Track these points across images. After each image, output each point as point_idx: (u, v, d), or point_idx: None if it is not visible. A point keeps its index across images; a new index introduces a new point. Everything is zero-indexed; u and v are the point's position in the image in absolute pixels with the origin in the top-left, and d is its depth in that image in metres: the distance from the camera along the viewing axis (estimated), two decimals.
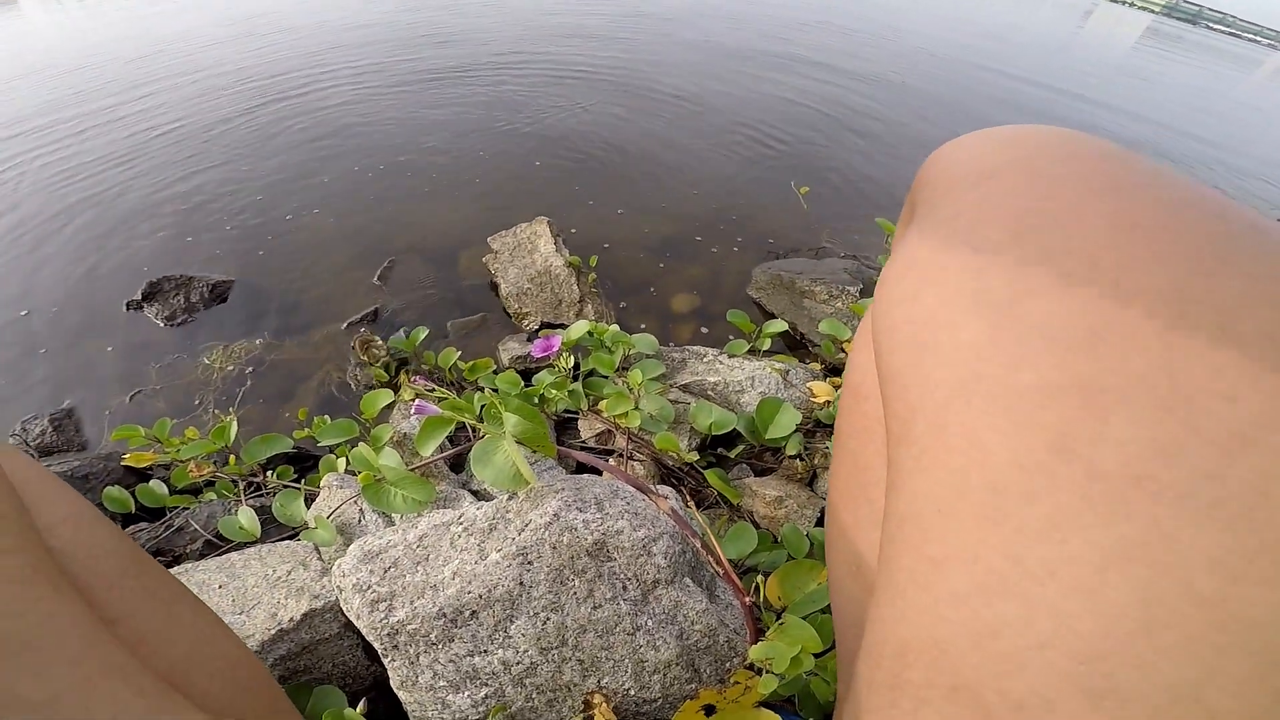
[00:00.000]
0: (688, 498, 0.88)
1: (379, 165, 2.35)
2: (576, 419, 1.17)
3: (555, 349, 1.20)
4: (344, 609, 0.70)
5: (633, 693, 0.67)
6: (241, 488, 1.12)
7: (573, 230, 1.96)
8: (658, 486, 0.78)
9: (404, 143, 2.53)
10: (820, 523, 0.97)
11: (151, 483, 1.14)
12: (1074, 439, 0.22)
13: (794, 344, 1.59)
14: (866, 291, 1.65)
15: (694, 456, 1.01)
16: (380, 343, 1.43)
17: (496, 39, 4.04)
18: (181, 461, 1.15)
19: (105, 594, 0.35)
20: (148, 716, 0.27)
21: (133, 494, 1.13)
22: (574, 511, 0.67)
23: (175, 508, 1.10)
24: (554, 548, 0.65)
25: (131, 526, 1.07)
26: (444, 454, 0.93)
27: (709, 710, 0.62)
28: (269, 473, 1.14)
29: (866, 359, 0.38)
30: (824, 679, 0.72)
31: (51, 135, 2.70)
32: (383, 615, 0.66)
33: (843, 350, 1.45)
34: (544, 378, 1.17)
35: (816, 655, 0.64)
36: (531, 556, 0.65)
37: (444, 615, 0.65)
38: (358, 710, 0.70)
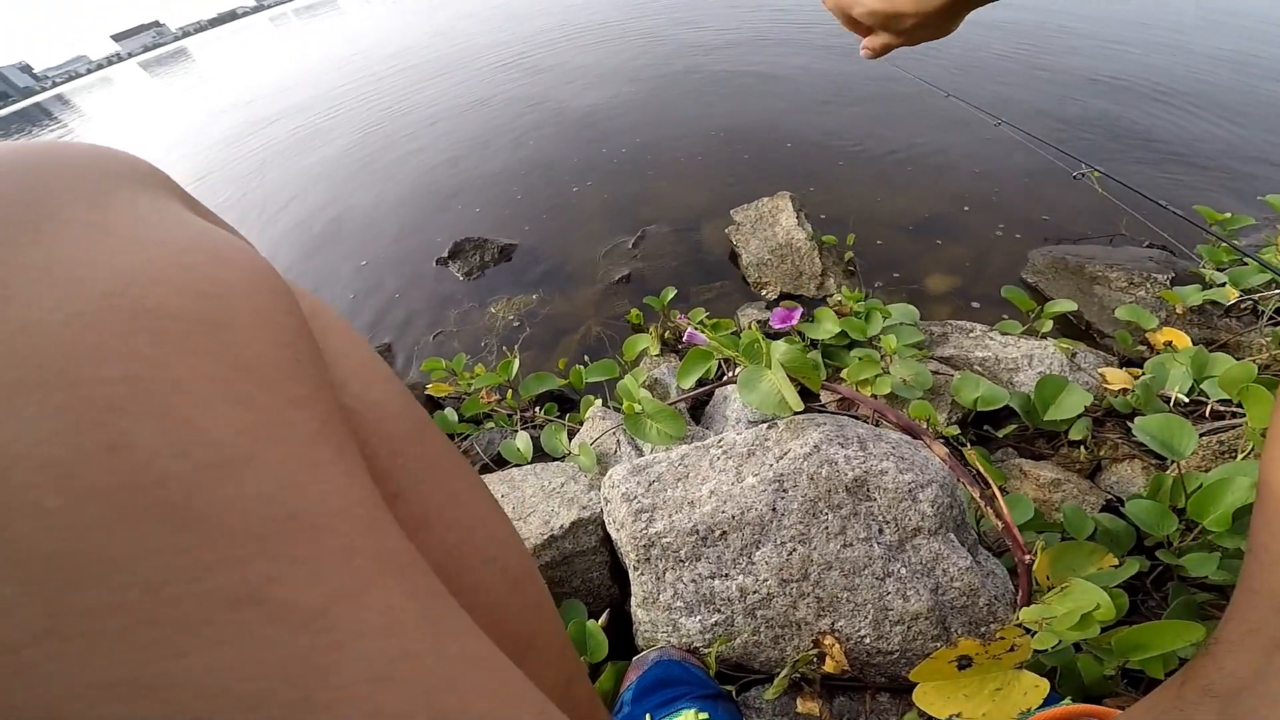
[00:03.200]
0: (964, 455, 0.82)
1: (621, 149, 2.54)
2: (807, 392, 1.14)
3: (795, 320, 1.19)
4: (607, 519, 0.77)
5: (868, 640, 0.64)
6: (516, 419, 1.28)
7: (822, 216, 1.93)
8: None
9: (650, 127, 2.70)
10: (1107, 509, 0.85)
11: (446, 410, 1.36)
12: None
13: (1077, 334, 1.39)
14: (1179, 280, 1.39)
15: (953, 431, 0.93)
16: (673, 322, 1.51)
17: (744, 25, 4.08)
18: (470, 393, 1.36)
19: (389, 462, 0.31)
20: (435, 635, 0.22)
21: None
22: (835, 446, 0.66)
23: (462, 434, 1.29)
24: (811, 479, 0.65)
25: None
26: (694, 392, 0.97)
27: (964, 664, 0.57)
28: (538, 409, 1.29)
29: None
30: (1095, 656, 0.63)
31: (378, 116, 3.32)
32: (644, 525, 0.71)
33: (1144, 342, 1.23)
34: (780, 346, 1.17)
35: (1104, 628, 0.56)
36: (787, 485, 0.66)
37: (697, 532, 0.68)
38: (599, 622, 0.76)
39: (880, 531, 0.64)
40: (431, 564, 0.27)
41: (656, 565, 0.70)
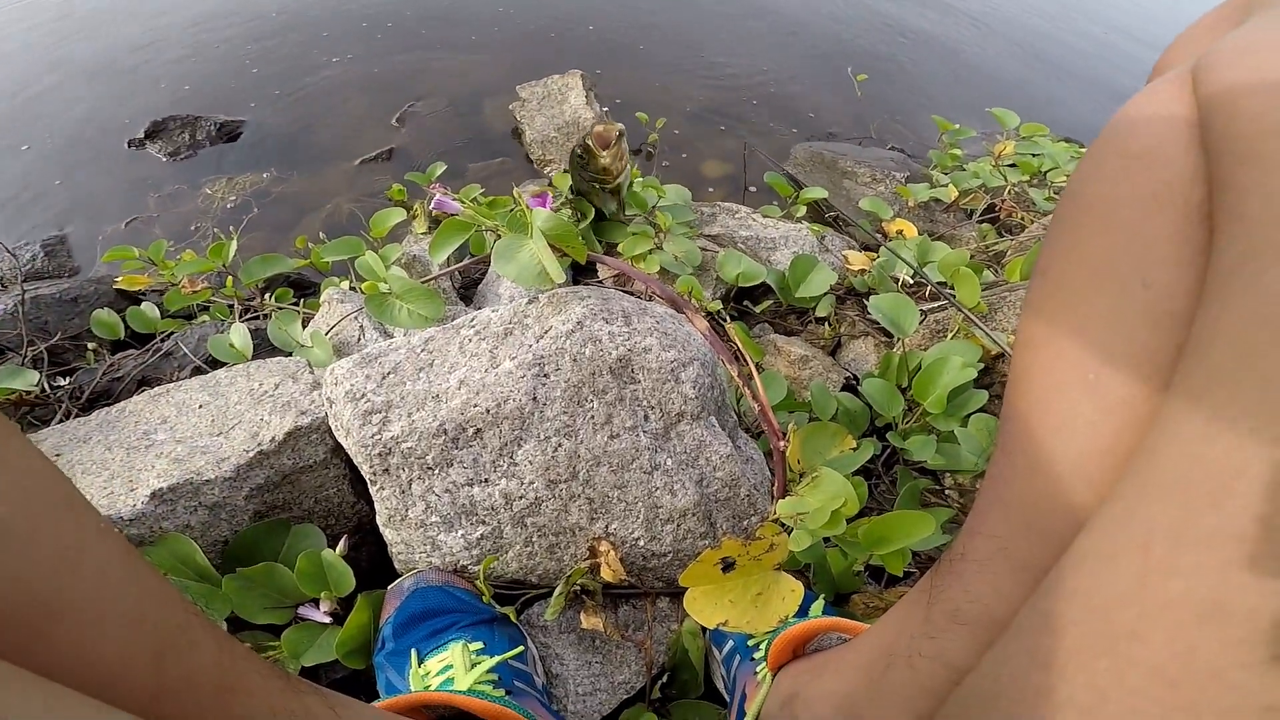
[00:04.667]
0: (725, 333, 0.78)
1: (388, 24, 2.12)
2: (585, 269, 1.06)
3: (549, 205, 1.09)
4: (332, 425, 0.61)
5: (642, 543, 0.59)
6: (237, 311, 1.02)
7: (617, 100, 1.80)
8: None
9: None
10: (847, 388, 0.89)
11: (143, 306, 1.05)
12: None
13: (827, 222, 1.47)
14: (913, 179, 1.55)
15: (716, 306, 0.92)
16: None
17: None
18: (175, 283, 1.06)
19: None
20: None
21: (123, 319, 1.03)
22: (600, 322, 0.57)
23: (165, 333, 1.00)
24: (574, 360, 0.56)
25: (120, 354, 0.98)
26: (455, 266, 0.82)
27: (728, 566, 0.55)
28: (267, 296, 1.04)
29: (1164, 128, 0.30)
30: (842, 551, 0.64)
31: None
32: (375, 430, 0.57)
33: (880, 231, 1.33)
34: (543, 214, 1.07)
35: (846, 522, 0.56)
36: (549, 368, 0.56)
37: (444, 432, 0.56)
38: (337, 551, 0.61)
39: (646, 418, 0.58)
40: None
41: (399, 476, 0.57)
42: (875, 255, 1.15)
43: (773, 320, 1.02)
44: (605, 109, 1.66)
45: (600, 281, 0.96)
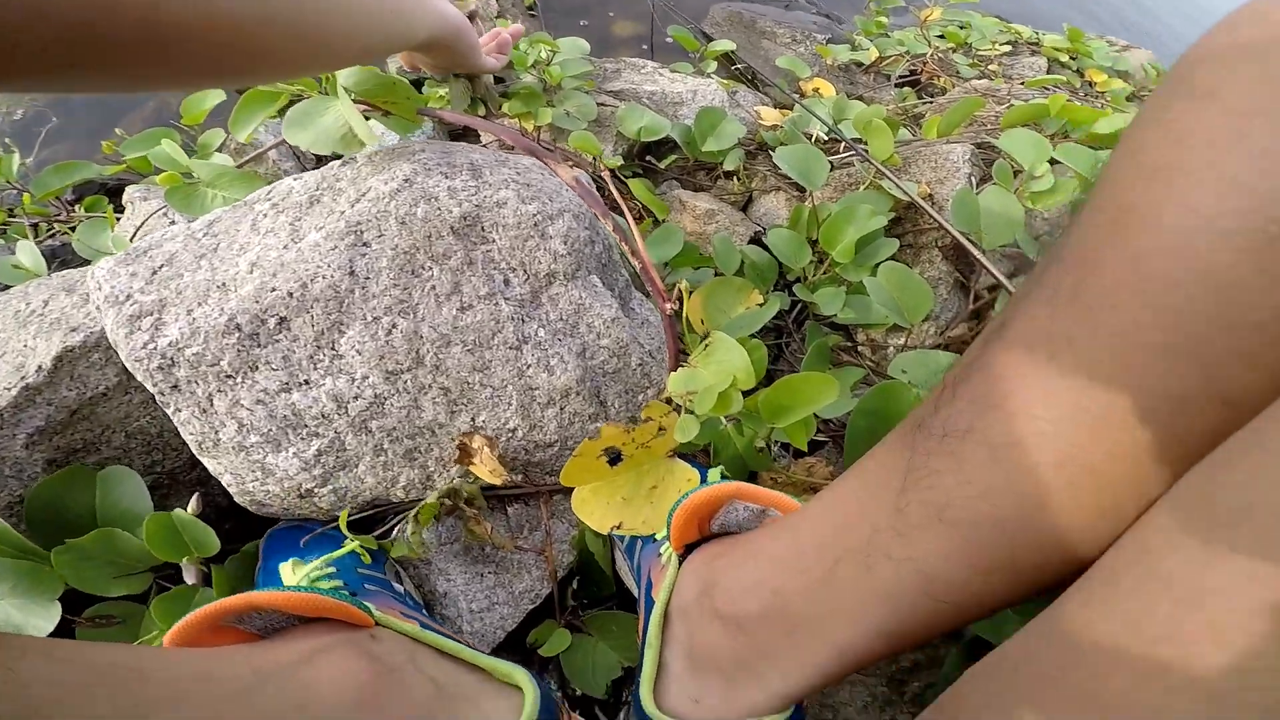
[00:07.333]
0: (611, 191, 0.65)
1: None
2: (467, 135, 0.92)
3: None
4: (110, 339, 0.47)
5: (521, 434, 0.49)
6: (37, 228, 0.83)
7: None
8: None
9: None
10: (754, 241, 0.80)
11: None
12: None
13: (743, 81, 1.34)
14: (835, 42, 1.46)
15: (616, 163, 0.81)
16: None
17: None
18: None
19: None
20: None
21: None
22: (436, 177, 0.44)
23: None
24: (402, 223, 0.43)
25: None
26: (267, 149, 0.66)
27: (614, 458, 0.45)
28: (77, 207, 0.85)
29: None
30: (743, 429, 0.55)
31: None
32: (147, 337, 0.43)
33: (797, 90, 1.21)
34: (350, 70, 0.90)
35: (745, 394, 0.46)
36: (369, 235, 0.43)
37: (237, 327, 0.43)
38: (189, 510, 0.48)
39: (506, 283, 0.45)
40: None
41: (193, 391, 0.44)
42: (789, 112, 1.04)
43: (680, 177, 0.92)
44: None
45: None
